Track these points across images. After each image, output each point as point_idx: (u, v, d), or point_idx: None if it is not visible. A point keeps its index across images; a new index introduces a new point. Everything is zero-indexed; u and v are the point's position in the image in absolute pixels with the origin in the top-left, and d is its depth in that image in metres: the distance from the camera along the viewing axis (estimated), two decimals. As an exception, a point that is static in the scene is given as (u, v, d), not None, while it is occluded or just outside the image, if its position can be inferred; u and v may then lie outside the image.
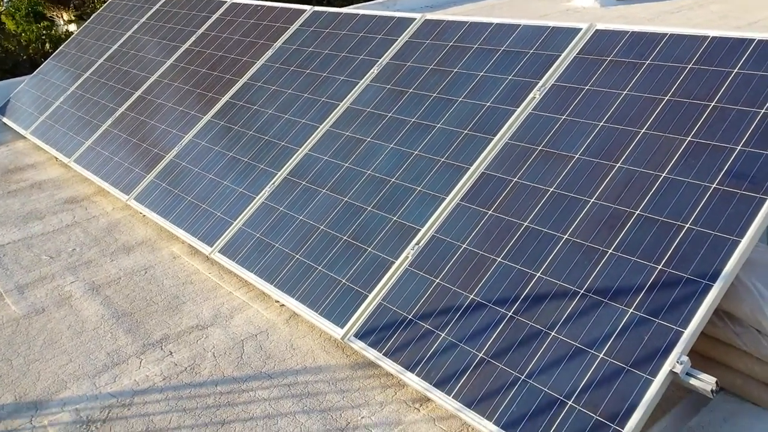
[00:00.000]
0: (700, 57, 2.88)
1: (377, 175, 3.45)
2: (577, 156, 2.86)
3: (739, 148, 2.50)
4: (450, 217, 2.98)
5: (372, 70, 4.14)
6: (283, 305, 3.34)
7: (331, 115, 4.04)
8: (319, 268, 3.19)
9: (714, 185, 2.45)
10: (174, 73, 5.58)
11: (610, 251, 2.47)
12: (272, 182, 3.88)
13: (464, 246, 2.83)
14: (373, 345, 2.71)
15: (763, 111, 2.55)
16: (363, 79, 4.12)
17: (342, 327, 2.85)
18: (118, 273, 3.81)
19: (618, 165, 2.72)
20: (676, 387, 2.44)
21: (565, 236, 2.61)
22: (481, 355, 2.44)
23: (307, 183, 3.71)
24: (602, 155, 2.80)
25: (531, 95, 3.24)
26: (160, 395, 2.79)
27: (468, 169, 3.13)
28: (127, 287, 3.65)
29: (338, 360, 2.87)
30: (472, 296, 2.63)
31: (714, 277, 2.21)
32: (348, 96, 4.08)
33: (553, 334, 2.36)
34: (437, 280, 2.77)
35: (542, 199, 2.79)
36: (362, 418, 2.53)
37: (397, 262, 2.94)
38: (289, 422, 2.55)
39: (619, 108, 2.92)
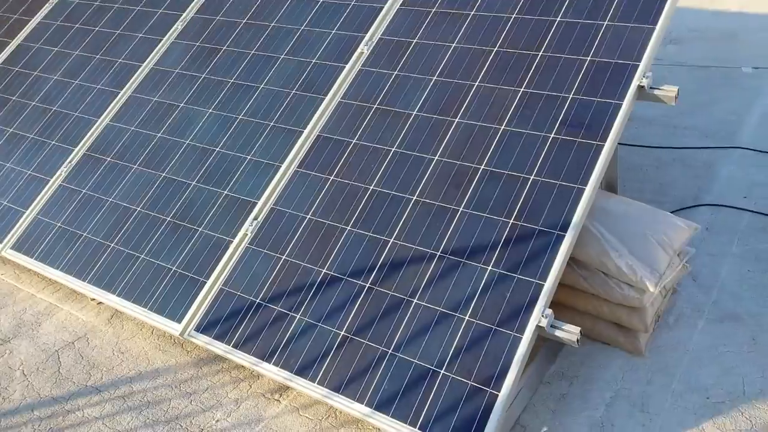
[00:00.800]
0: (522, 7, 2.88)
1: (198, 144, 3.08)
2: (414, 113, 2.75)
3: (570, 96, 2.54)
4: (288, 187, 2.73)
5: (176, 26, 3.69)
6: (101, 303, 2.89)
7: (133, 78, 3.55)
8: (142, 256, 2.79)
9: (552, 135, 2.46)
10: None
11: (461, 209, 2.41)
12: (69, 161, 3.34)
13: (308, 216, 2.61)
14: (219, 338, 2.42)
15: (588, 58, 2.61)
16: (166, 36, 3.66)
17: (179, 322, 2.52)
18: None
19: (456, 120, 2.66)
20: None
21: (414, 197, 2.50)
22: (342, 333, 2.27)
23: (113, 159, 3.23)
24: (440, 111, 2.71)
25: (359, 50, 3.06)
26: (-43, 435, 2.28)
27: (301, 132, 2.89)
28: None
29: (178, 358, 2.55)
30: (324, 270, 2.44)
31: (565, 227, 2.23)
32: (150, 56, 3.60)
33: (415, 301, 2.25)
34: (283, 257, 2.54)
35: (385, 160, 2.65)
36: (217, 421, 2.26)
37: (236, 241, 2.65)
38: (130, 441, 2.21)
39: (450, 61, 2.85)
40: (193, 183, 2.94)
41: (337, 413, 2.25)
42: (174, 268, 2.69)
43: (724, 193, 3.36)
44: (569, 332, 2.02)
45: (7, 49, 4.23)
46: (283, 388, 2.37)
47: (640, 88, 2.47)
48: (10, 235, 3.16)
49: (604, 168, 2.32)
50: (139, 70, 3.57)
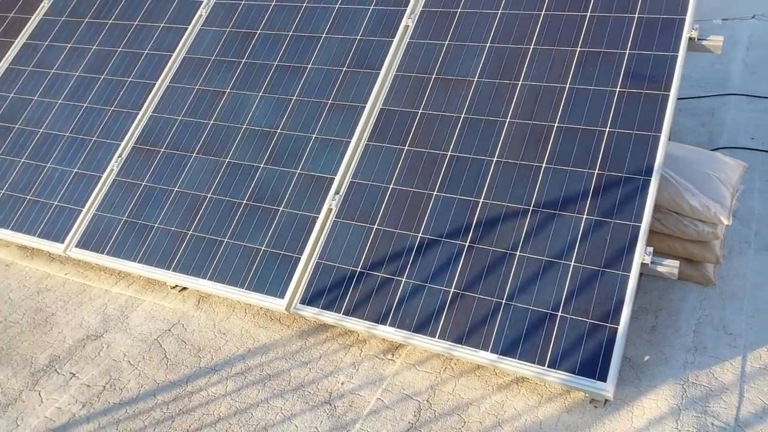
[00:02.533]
0: (564, -29, 3.02)
1: (256, 128, 3.14)
2: (476, 79, 2.88)
3: (627, 52, 2.71)
4: (364, 160, 2.84)
5: (199, 13, 3.70)
6: (183, 289, 2.95)
7: (167, 68, 3.56)
8: (226, 240, 2.85)
9: (618, 89, 2.64)
10: None
11: (544, 165, 2.57)
12: (118, 155, 3.34)
13: (391, 186, 2.73)
14: (327, 307, 2.53)
15: (636, 16, 2.79)
16: (191, 24, 3.67)
17: (282, 297, 2.61)
18: (-55, 298, 3.05)
19: (520, 83, 2.80)
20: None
21: (495, 159, 2.65)
22: (452, 290, 2.41)
23: (167, 149, 3.25)
24: (501, 75, 2.85)
25: (403, 24, 3.16)
26: (90, 425, 2.33)
27: (363, 107, 2.99)
28: (-32, 312, 2.94)
29: (281, 333, 2.64)
30: (420, 235, 2.57)
31: (649, 172, 2.41)
32: (180, 45, 3.61)
33: (518, 254, 2.41)
34: (375, 226, 2.65)
35: (456, 127, 2.78)
36: (342, 384, 2.38)
37: (321, 216, 2.75)
38: (266, 411, 2.31)
39: (500, 28, 2.98)
40: (262, 165, 3.01)
41: (454, 365, 2.40)
42: (263, 248, 2.76)
43: (734, 136, 3.62)
44: (670, 266, 2.22)
45: (11, 48, 4.14)
46: (394, 348, 2.50)
47: (691, 39, 2.67)
48: (71, 234, 3.16)
49: (672, 115, 2.51)
50: (171, 60, 3.58)
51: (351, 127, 2.95)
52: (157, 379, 2.48)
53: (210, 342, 2.63)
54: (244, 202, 2.93)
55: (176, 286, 2.95)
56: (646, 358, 2.34)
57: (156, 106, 3.44)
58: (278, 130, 3.09)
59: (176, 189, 3.09)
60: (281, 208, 2.85)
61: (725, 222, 2.45)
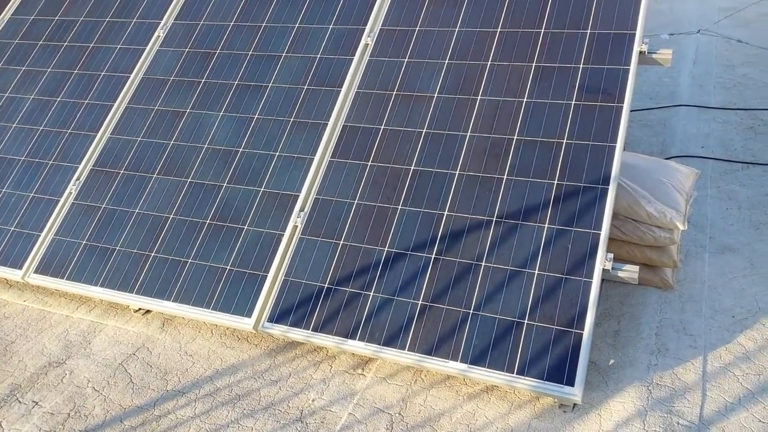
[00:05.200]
0: (518, -11, 3.11)
1: (219, 147, 3.13)
2: (435, 95, 2.93)
3: (581, 66, 2.80)
4: (327, 177, 2.85)
5: (156, 34, 3.68)
6: (147, 312, 2.90)
7: (125, 89, 3.53)
8: (189, 261, 2.83)
9: (573, 102, 2.72)
10: None
11: (505, 177, 2.62)
12: (76, 178, 3.29)
13: (356, 202, 2.75)
14: (296, 325, 2.52)
15: (588, 31, 2.88)
16: (149, 45, 3.65)
17: (250, 316, 2.60)
18: None
19: (479, 98, 2.86)
20: (578, 285, 2.72)
21: (457, 172, 2.69)
22: (420, 302, 2.43)
23: (127, 171, 3.21)
24: (460, 91, 2.91)
25: (363, 42, 3.20)
26: (54, 455, 2.27)
27: (326, 124, 3.01)
28: None
29: (249, 352, 2.62)
30: (386, 249, 2.59)
31: (606, 181, 2.49)
32: (137, 66, 3.59)
33: (483, 264, 2.45)
34: (341, 242, 2.66)
35: (419, 141, 2.82)
36: (313, 401, 2.37)
37: (287, 234, 2.75)
38: None
39: (458, 44, 3.05)
40: (224, 184, 3.00)
41: (424, 377, 2.42)
42: (228, 267, 2.75)
43: (686, 146, 3.76)
44: (630, 271, 2.29)
45: (-37, 73, 4.04)
46: (364, 363, 2.50)
47: (641, 53, 2.77)
48: (30, 260, 3.09)
49: (626, 126, 2.60)
50: (129, 82, 3.55)
51: (314, 144, 2.97)
52: (123, 404, 2.43)
53: (176, 364, 2.59)
54: (208, 221, 2.91)
55: (140, 309, 2.90)
56: (612, 361, 2.40)
57: (114, 128, 3.40)
58: (240, 149, 3.08)
59: (137, 210, 3.05)
60: (246, 227, 2.84)
61: (681, 227, 2.54)
